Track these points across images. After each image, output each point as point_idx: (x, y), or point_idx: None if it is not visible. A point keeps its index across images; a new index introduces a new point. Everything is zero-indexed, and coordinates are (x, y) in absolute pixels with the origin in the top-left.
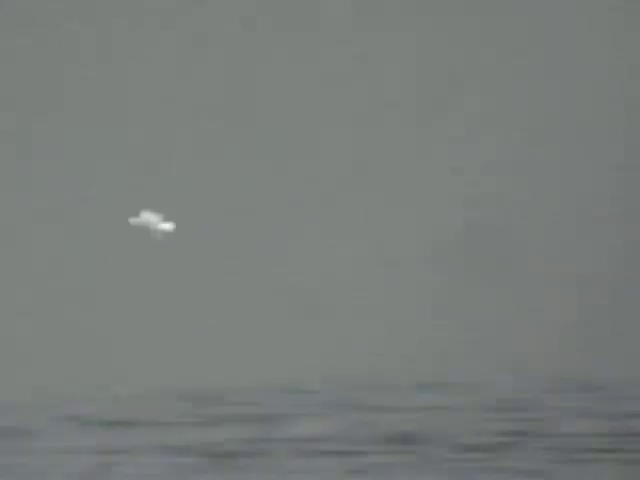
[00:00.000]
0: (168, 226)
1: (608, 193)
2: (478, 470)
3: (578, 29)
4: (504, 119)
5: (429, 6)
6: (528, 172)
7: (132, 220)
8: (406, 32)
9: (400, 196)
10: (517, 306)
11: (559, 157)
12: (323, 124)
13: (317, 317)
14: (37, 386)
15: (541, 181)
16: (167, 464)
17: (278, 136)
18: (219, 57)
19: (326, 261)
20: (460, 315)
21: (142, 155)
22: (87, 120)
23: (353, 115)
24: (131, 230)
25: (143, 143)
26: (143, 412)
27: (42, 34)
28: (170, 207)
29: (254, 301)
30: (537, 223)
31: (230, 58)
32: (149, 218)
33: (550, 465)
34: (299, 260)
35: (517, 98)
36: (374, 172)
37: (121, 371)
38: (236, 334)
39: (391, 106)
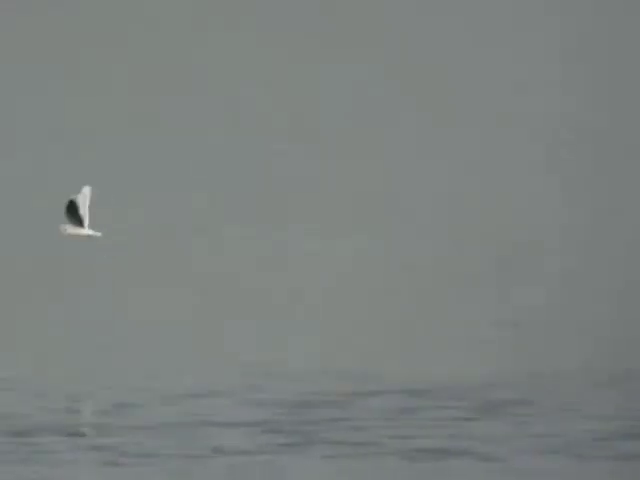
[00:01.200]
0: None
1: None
2: None
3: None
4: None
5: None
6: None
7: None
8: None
9: (405, 200)
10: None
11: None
12: (328, 125)
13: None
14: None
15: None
16: None
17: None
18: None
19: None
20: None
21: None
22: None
23: (360, 118)
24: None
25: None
26: None
27: None
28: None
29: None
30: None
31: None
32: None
33: None
34: (303, 264)
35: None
36: (379, 175)
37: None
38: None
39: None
